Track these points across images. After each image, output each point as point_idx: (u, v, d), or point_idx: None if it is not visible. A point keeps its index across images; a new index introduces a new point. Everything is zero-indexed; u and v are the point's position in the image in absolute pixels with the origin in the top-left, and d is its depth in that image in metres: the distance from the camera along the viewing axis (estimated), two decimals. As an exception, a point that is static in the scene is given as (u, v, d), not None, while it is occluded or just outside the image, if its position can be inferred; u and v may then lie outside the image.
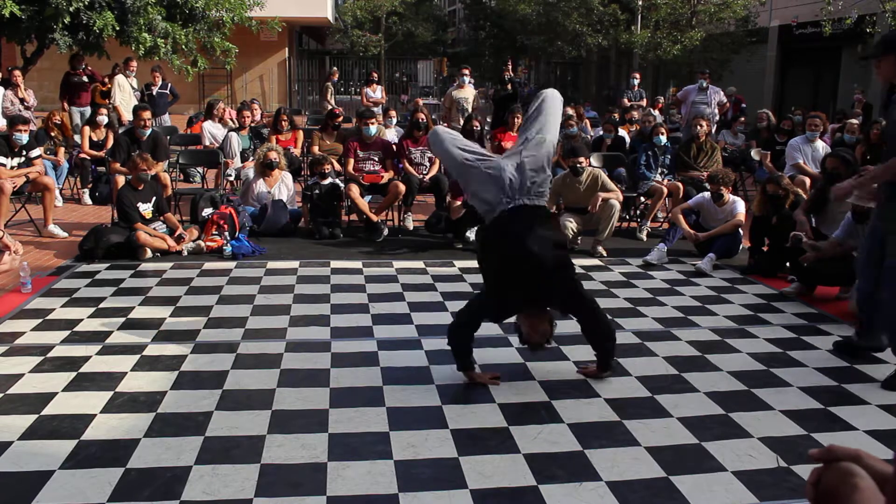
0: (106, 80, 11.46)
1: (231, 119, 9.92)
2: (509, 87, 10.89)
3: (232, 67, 13.45)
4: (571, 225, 6.41)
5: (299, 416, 3.19)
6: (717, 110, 10.12)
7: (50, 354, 3.85)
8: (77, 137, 9.46)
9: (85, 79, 11.14)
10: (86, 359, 3.80)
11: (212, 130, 9.23)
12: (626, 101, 12.71)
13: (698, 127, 7.66)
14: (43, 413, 3.18)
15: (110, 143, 8.51)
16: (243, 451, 2.88)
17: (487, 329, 4.32)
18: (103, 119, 9.03)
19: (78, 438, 2.96)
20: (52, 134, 8.71)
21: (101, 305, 4.71)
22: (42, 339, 4.09)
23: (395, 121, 9.94)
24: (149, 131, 7.31)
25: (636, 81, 13.26)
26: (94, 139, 8.91)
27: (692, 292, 5.34)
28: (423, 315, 4.64)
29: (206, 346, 4.03)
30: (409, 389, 3.50)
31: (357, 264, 5.89)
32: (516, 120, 8.38)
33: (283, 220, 6.85)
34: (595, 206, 6.33)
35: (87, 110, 10.39)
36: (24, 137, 6.78)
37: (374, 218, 6.88)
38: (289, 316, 4.58)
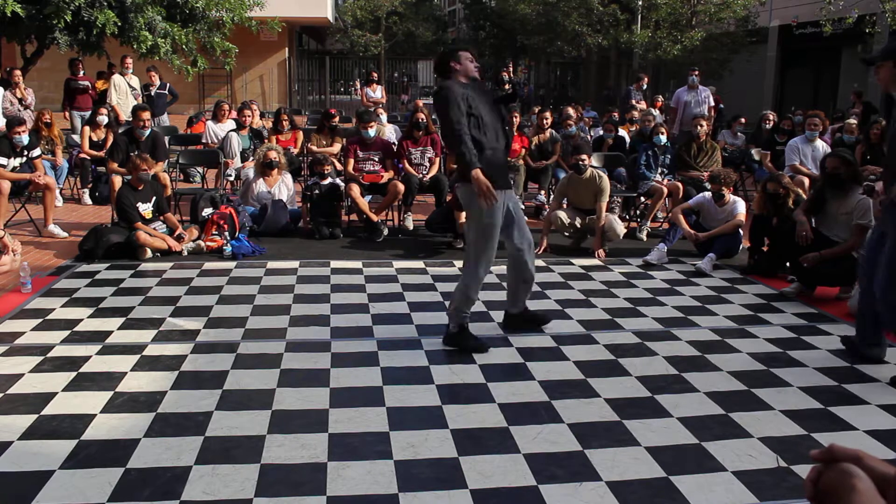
0: (105, 79, 11.46)
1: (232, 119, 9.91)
2: (507, 86, 10.92)
3: (232, 67, 13.45)
4: (563, 217, 6.44)
5: (299, 416, 3.19)
6: (704, 109, 10.14)
7: (50, 354, 3.85)
8: (76, 137, 9.45)
9: (87, 84, 11.14)
10: (86, 359, 3.80)
11: (215, 129, 9.25)
12: (633, 101, 12.64)
13: (698, 127, 7.66)
14: (43, 413, 3.17)
15: (110, 143, 8.51)
16: (243, 451, 2.88)
17: (488, 329, 4.33)
18: (103, 119, 9.03)
19: (78, 438, 2.96)
20: (44, 134, 8.61)
21: (101, 305, 4.71)
22: (42, 339, 4.09)
23: (384, 118, 9.99)
24: (148, 131, 7.31)
25: (644, 84, 13.22)
26: (94, 139, 8.90)
27: (692, 292, 5.33)
28: (423, 315, 4.63)
29: (206, 346, 4.03)
30: (409, 389, 3.50)
31: (357, 264, 5.89)
32: (515, 119, 8.40)
33: (283, 220, 6.85)
34: (599, 247, 6.37)
35: (89, 115, 10.37)
36: (24, 139, 6.80)
37: (374, 218, 6.88)
38: (289, 316, 4.57)
